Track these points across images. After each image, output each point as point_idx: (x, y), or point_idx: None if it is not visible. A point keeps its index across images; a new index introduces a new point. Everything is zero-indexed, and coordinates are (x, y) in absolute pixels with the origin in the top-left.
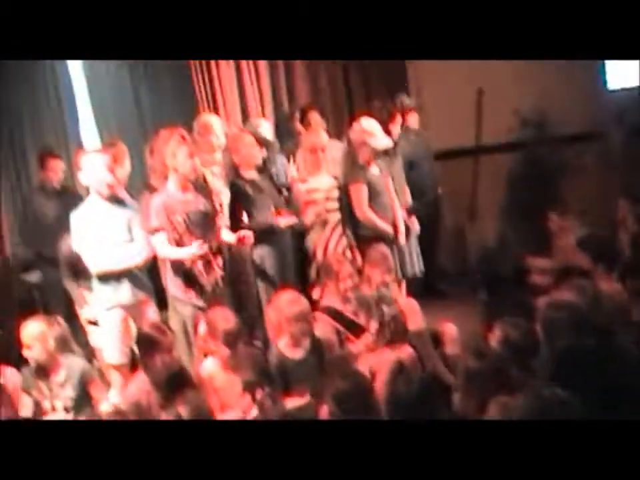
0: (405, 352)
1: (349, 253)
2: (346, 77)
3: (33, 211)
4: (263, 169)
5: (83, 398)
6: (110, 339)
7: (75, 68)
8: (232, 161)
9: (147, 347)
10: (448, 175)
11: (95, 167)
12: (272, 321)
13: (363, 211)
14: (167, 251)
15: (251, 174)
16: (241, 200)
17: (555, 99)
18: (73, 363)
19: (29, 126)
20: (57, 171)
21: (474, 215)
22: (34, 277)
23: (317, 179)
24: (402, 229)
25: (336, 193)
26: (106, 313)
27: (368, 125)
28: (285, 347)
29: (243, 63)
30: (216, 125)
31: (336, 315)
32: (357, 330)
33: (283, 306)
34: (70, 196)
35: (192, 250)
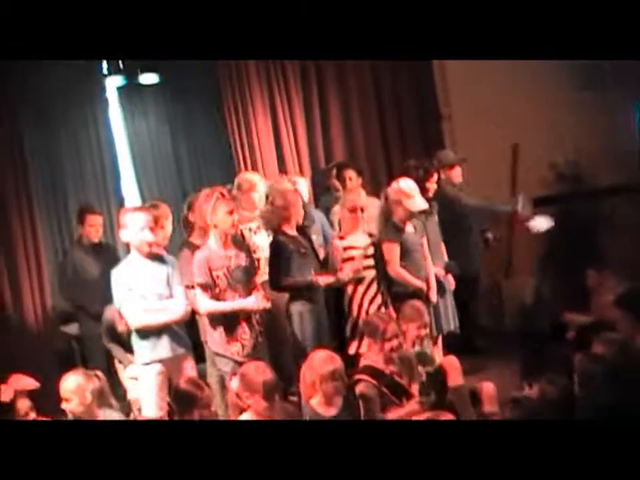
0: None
1: (383, 309)
2: (383, 132)
3: (73, 264)
4: (303, 226)
5: None
6: (147, 393)
7: (118, 126)
8: (274, 217)
9: (184, 403)
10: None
11: (136, 225)
12: (305, 378)
13: (395, 268)
14: (214, 305)
15: (293, 231)
16: (282, 257)
17: (591, 152)
18: (110, 417)
19: (71, 181)
20: (96, 226)
21: (510, 271)
22: (73, 329)
23: (354, 237)
24: (434, 286)
25: (371, 250)
26: (144, 368)
27: (405, 186)
28: (318, 405)
29: (281, 120)
30: (258, 183)
31: (379, 375)
32: (400, 392)
33: (317, 364)
34: (108, 251)
35: (249, 302)
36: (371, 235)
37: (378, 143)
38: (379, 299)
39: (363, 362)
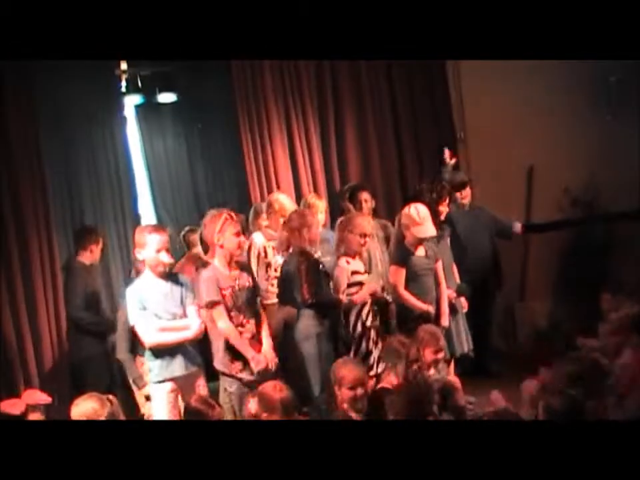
0: None
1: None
2: (400, 153)
3: (77, 284)
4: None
5: None
6: (160, 411)
7: (135, 144)
8: (296, 237)
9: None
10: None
11: (153, 246)
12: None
13: (399, 291)
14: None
15: (313, 250)
16: (315, 273)
17: (606, 175)
18: None
19: (88, 198)
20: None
21: (524, 294)
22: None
23: (358, 262)
24: (446, 310)
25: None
26: (157, 386)
27: (415, 213)
28: (344, 414)
29: (297, 140)
30: (288, 205)
31: None
32: None
33: (341, 373)
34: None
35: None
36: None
37: (394, 164)
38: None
39: (380, 384)
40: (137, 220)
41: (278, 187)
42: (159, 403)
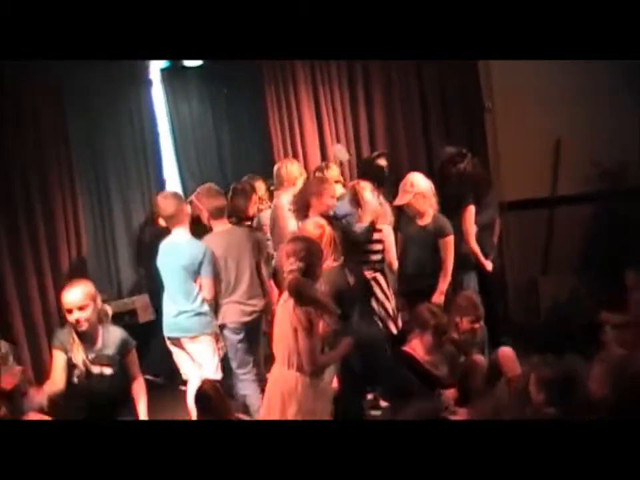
0: None
1: None
2: (425, 123)
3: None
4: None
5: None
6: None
7: (160, 108)
8: (306, 203)
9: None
10: (521, 225)
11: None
12: None
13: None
14: None
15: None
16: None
17: (635, 150)
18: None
19: (112, 161)
20: None
21: (547, 268)
22: None
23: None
24: (442, 287)
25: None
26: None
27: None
28: None
29: (324, 109)
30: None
31: (414, 365)
32: (431, 383)
33: None
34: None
35: None
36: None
37: (419, 132)
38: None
39: (404, 347)
40: (161, 184)
41: (304, 154)
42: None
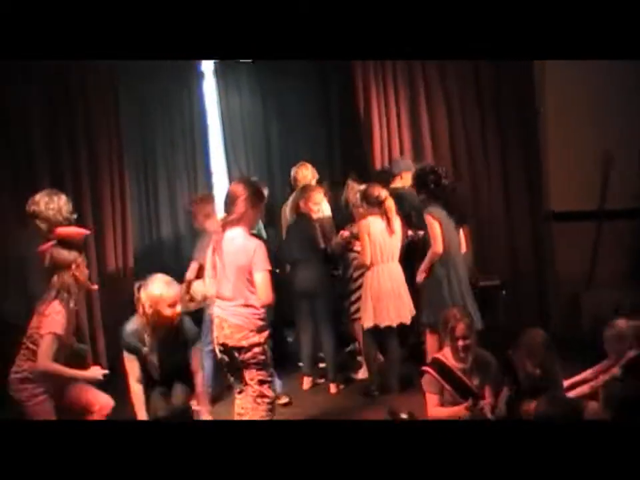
0: None
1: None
2: (483, 129)
3: None
4: None
5: None
6: None
7: (211, 100)
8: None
9: None
10: (567, 237)
11: None
12: None
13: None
14: None
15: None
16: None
17: None
18: None
19: (161, 151)
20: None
21: (591, 282)
22: None
23: None
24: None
25: None
26: None
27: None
28: None
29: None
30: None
31: (445, 372)
32: (464, 392)
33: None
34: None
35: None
36: None
37: (477, 139)
38: None
39: (436, 354)
40: (208, 176)
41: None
42: None
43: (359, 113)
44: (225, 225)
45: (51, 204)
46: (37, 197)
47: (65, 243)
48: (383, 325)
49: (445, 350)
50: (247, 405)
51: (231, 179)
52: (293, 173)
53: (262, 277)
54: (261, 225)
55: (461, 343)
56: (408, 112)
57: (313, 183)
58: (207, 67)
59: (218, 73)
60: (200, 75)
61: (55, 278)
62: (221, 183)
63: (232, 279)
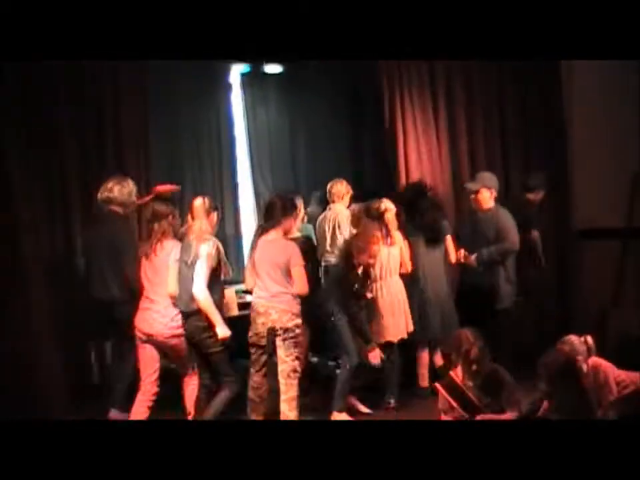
0: None
1: None
2: (504, 151)
3: None
4: None
5: None
6: None
7: (238, 111)
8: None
9: None
10: (594, 255)
11: None
12: None
13: None
14: None
15: None
16: None
17: None
18: None
19: (188, 161)
20: None
21: (618, 300)
22: None
23: None
24: None
25: None
26: None
27: None
28: None
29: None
30: None
31: (454, 389)
32: (470, 409)
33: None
34: None
35: None
36: None
37: (499, 157)
38: None
39: (450, 373)
40: (234, 187)
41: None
42: None
43: (386, 127)
44: (264, 230)
45: (124, 189)
46: (109, 184)
47: (161, 198)
48: (382, 341)
49: (458, 369)
50: (281, 381)
51: (256, 192)
52: (328, 187)
53: (298, 271)
54: (309, 226)
55: (474, 367)
56: (444, 130)
57: (347, 198)
58: (235, 79)
59: (245, 85)
60: (227, 87)
61: (156, 226)
62: (246, 197)
63: (273, 274)
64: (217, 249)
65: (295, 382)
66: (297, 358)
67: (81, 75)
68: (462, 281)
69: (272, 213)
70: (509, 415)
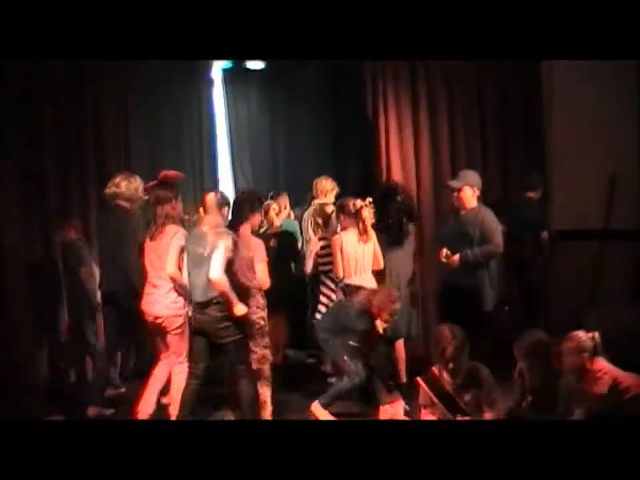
0: None
1: None
2: (484, 152)
3: None
4: None
5: None
6: None
7: (219, 106)
8: None
9: None
10: (571, 256)
11: None
12: None
13: None
14: None
15: None
16: None
17: None
18: None
19: (169, 156)
20: None
21: (594, 301)
22: None
23: None
24: None
25: None
26: None
27: None
28: None
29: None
30: None
31: (435, 385)
32: (453, 408)
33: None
34: None
35: None
36: None
37: (478, 161)
38: None
39: (432, 367)
40: (214, 181)
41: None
42: None
43: (368, 124)
44: (232, 227)
45: (131, 185)
46: (117, 180)
47: (165, 183)
48: None
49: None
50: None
51: (237, 188)
52: (314, 183)
53: (261, 267)
54: (295, 223)
55: (451, 365)
56: (426, 129)
57: (333, 194)
58: (217, 74)
59: (226, 80)
60: (209, 83)
61: (159, 209)
62: (226, 190)
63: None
64: (234, 242)
65: (267, 367)
66: (265, 347)
67: (60, 73)
68: (443, 281)
69: (239, 210)
70: (488, 415)
